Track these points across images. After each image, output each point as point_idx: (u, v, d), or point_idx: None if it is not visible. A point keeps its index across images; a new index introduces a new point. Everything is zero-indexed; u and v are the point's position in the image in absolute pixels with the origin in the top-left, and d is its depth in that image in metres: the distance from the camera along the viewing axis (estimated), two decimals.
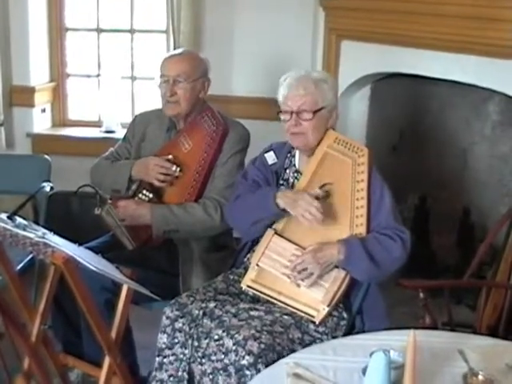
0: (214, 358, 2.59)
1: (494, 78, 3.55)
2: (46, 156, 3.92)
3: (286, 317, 2.72)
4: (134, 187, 3.29)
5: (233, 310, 2.72)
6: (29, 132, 5.11)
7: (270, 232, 2.84)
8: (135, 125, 3.49)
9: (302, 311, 2.74)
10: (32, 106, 5.08)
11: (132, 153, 3.44)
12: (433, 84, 4.27)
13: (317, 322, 2.71)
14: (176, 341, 2.72)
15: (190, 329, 2.69)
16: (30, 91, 5.03)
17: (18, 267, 3.40)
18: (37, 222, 3.04)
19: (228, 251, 3.33)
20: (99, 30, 5.24)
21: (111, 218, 3.25)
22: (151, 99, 4.78)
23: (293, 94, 2.82)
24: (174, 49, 4.58)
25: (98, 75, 5.30)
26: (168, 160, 3.23)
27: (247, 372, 2.46)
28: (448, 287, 3.00)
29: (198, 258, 3.25)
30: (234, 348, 2.53)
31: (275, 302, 2.79)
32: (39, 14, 5.04)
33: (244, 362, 2.48)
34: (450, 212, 4.63)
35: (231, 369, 2.53)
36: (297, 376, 2.19)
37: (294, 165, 2.99)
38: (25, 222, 2.47)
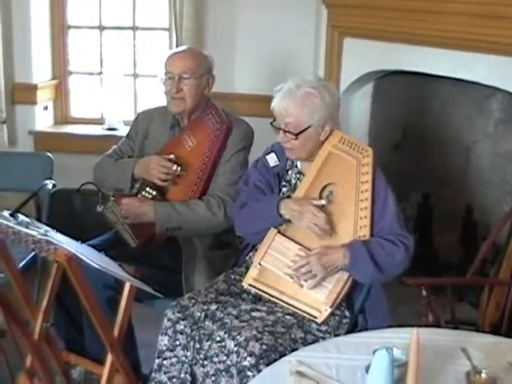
0: (215, 359, 2.59)
1: (497, 76, 3.54)
2: (49, 153, 3.92)
3: (288, 317, 2.71)
4: (137, 185, 3.28)
5: (234, 312, 2.72)
6: (31, 129, 5.10)
7: (272, 231, 2.82)
8: (138, 122, 3.48)
9: (304, 311, 2.73)
10: (34, 103, 5.07)
11: (135, 150, 3.44)
12: (435, 82, 4.27)
13: (319, 322, 2.71)
14: (177, 343, 2.71)
15: (192, 331, 2.68)
16: (33, 89, 5.03)
17: (21, 265, 3.39)
18: (39, 220, 3.04)
19: (231, 249, 3.33)
20: (101, 28, 5.23)
21: (114, 215, 3.25)
22: (154, 97, 4.77)
23: (279, 111, 2.77)
24: (177, 46, 4.57)
25: (101, 73, 5.30)
26: (169, 160, 3.22)
27: (249, 373, 2.46)
28: (451, 285, 3.00)
29: (201, 255, 3.25)
30: (235, 349, 2.52)
31: (277, 301, 2.78)
32: (41, 11, 5.04)
33: (246, 363, 2.48)
34: (452, 210, 4.63)
35: (233, 370, 2.52)
36: (300, 374, 2.19)
37: (296, 166, 2.96)
38: (27, 219, 2.47)
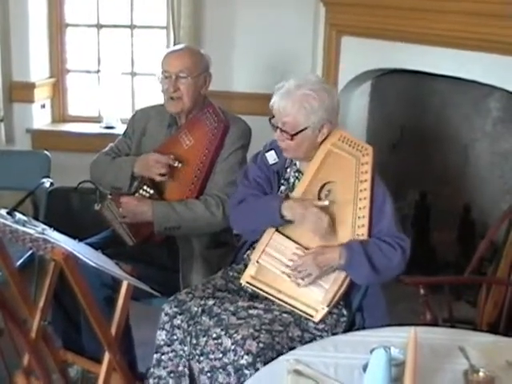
0: (212, 356, 2.58)
1: (495, 75, 3.55)
2: (46, 152, 3.92)
3: (285, 315, 2.71)
4: (135, 184, 3.28)
5: (231, 308, 2.72)
6: (28, 128, 5.10)
7: (270, 229, 2.82)
8: (135, 120, 3.48)
9: (301, 310, 2.73)
10: (32, 101, 5.07)
11: (132, 148, 3.44)
12: (434, 80, 4.26)
13: (316, 321, 2.71)
14: (175, 337, 2.72)
15: (189, 326, 2.68)
16: (30, 87, 5.03)
17: (18, 263, 3.39)
18: (36, 218, 3.05)
19: (228, 248, 3.32)
20: (99, 26, 5.23)
21: (111, 213, 3.25)
22: (151, 95, 4.77)
23: (278, 110, 2.76)
24: (174, 44, 4.58)
25: (98, 71, 5.30)
26: (169, 158, 3.22)
27: (246, 371, 2.46)
28: (448, 283, 3.00)
29: (199, 254, 3.25)
30: (232, 347, 2.52)
31: (274, 300, 2.78)
32: (39, 9, 5.04)
33: (243, 361, 2.48)
34: (450, 208, 4.63)
35: (230, 368, 2.52)
36: (297, 372, 2.19)
37: (295, 164, 2.95)
38: (24, 217, 2.47)
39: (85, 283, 2.45)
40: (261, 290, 2.81)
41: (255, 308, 2.74)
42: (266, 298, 2.80)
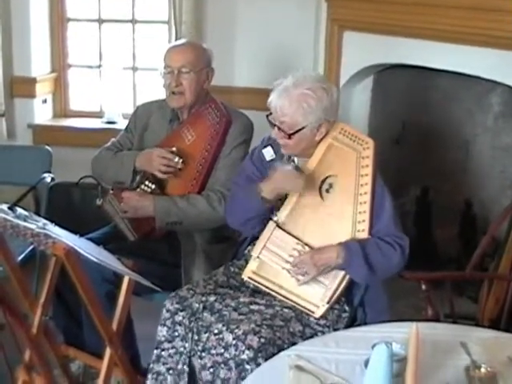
0: (213, 351, 2.59)
1: (497, 70, 3.54)
2: (47, 147, 3.92)
3: (286, 310, 2.71)
4: (137, 179, 3.27)
5: (233, 304, 2.72)
6: (30, 123, 5.09)
7: (271, 225, 2.81)
8: (138, 115, 3.47)
9: (301, 306, 2.73)
10: (33, 96, 5.06)
11: (134, 143, 3.43)
12: (435, 75, 4.25)
13: (317, 317, 2.71)
14: (176, 334, 2.72)
15: (190, 322, 2.68)
16: (32, 82, 5.02)
17: (19, 258, 3.40)
18: (38, 213, 3.05)
19: (230, 243, 3.32)
20: (101, 21, 5.21)
21: (112, 208, 3.25)
22: (153, 90, 4.77)
23: (275, 109, 2.74)
24: (176, 39, 4.57)
25: (100, 66, 5.29)
26: (172, 152, 3.21)
27: (247, 366, 2.46)
28: (450, 279, 3.00)
29: (200, 249, 3.25)
30: (233, 342, 2.52)
31: (275, 295, 2.78)
32: (41, 4, 5.02)
33: (244, 356, 2.48)
34: (452, 204, 4.62)
35: (231, 363, 2.52)
36: (299, 368, 2.19)
37: (293, 161, 2.93)
38: (26, 212, 2.47)
39: (86, 278, 2.45)
40: (262, 285, 2.81)
41: (256, 303, 2.74)
42: (268, 294, 2.80)
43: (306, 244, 2.75)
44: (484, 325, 3.10)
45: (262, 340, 2.49)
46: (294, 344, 2.51)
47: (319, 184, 2.79)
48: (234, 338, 2.53)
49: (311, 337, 2.62)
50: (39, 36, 5.05)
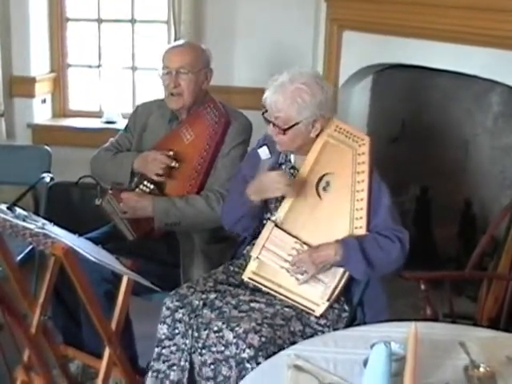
0: (214, 349, 2.59)
1: (497, 69, 3.54)
2: (47, 147, 3.91)
3: (287, 309, 2.72)
4: (136, 179, 3.27)
5: (233, 302, 2.73)
6: (29, 122, 5.10)
7: (270, 224, 2.81)
8: (137, 115, 3.48)
9: (302, 305, 2.74)
10: (32, 96, 5.07)
11: (133, 143, 3.44)
12: (435, 75, 4.26)
13: (317, 316, 2.71)
14: (177, 331, 2.72)
15: (190, 319, 2.69)
16: (31, 82, 5.02)
17: (18, 258, 3.39)
18: (37, 213, 3.04)
19: (229, 243, 3.32)
20: (100, 20, 5.22)
21: (111, 208, 3.25)
22: (152, 90, 4.77)
23: (270, 105, 2.75)
24: (175, 39, 4.57)
25: (99, 65, 5.29)
26: (168, 156, 3.21)
27: (248, 365, 2.46)
28: (449, 279, 3.00)
29: (199, 249, 3.25)
30: (234, 341, 2.53)
31: (276, 294, 2.79)
32: (40, 4, 5.03)
33: (244, 355, 2.48)
34: (451, 203, 4.62)
35: (232, 361, 2.53)
36: (297, 368, 2.19)
37: (290, 160, 2.94)
38: (25, 212, 2.47)
39: (85, 278, 2.45)
40: (262, 285, 2.81)
41: (257, 302, 2.74)
42: (268, 293, 2.80)
43: (305, 243, 2.75)
44: (483, 324, 3.10)
45: (263, 339, 2.50)
46: (294, 343, 2.51)
47: (316, 182, 2.79)
48: (234, 337, 2.53)
49: (311, 336, 2.62)
50: (38, 36, 5.06)
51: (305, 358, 2.25)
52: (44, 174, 3.61)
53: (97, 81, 5.32)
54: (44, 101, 5.20)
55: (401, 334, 2.27)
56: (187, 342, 2.69)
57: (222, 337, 2.57)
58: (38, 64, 5.09)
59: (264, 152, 2.89)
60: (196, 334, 2.66)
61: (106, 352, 2.68)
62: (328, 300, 2.71)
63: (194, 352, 2.67)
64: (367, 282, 2.83)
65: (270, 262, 2.80)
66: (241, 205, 2.83)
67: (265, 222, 2.87)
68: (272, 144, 2.87)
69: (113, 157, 3.39)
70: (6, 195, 3.11)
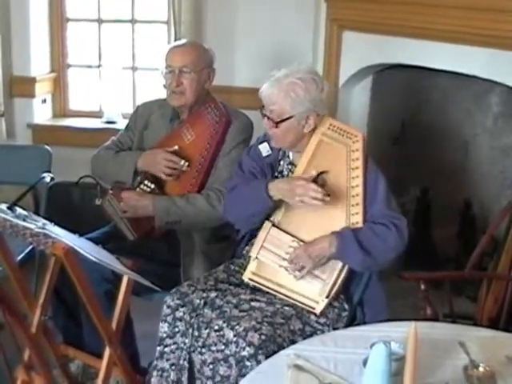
0: (214, 348, 2.60)
1: (496, 70, 3.54)
2: (47, 146, 3.91)
3: (287, 308, 2.72)
4: (138, 179, 3.28)
5: (234, 301, 2.73)
6: (29, 122, 5.10)
7: (267, 224, 2.83)
8: (138, 114, 3.48)
9: (302, 303, 2.75)
10: (33, 96, 5.06)
11: (134, 142, 3.44)
12: (434, 75, 4.26)
13: (317, 314, 2.72)
14: (177, 330, 2.73)
15: (191, 318, 2.69)
16: (31, 82, 5.02)
17: (19, 258, 3.39)
18: (37, 213, 3.05)
19: (229, 242, 3.33)
20: (100, 21, 5.22)
21: (112, 208, 3.26)
22: (152, 90, 4.77)
23: (265, 98, 2.78)
24: (175, 39, 4.57)
25: (99, 66, 5.29)
26: (175, 152, 3.22)
27: (248, 363, 2.47)
28: (449, 279, 3.00)
29: (199, 248, 3.25)
30: (234, 339, 2.53)
31: (276, 294, 2.79)
32: (40, 4, 5.03)
33: (244, 353, 2.49)
34: (451, 204, 4.62)
35: (232, 360, 2.53)
36: (297, 367, 2.20)
37: (288, 156, 2.96)
38: (25, 212, 2.47)
39: (85, 278, 2.45)
40: (262, 285, 2.82)
41: (257, 301, 2.75)
42: (268, 292, 2.81)
43: (302, 241, 2.77)
44: (483, 324, 3.10)
45: (263, 337, 2.50)
46: (294, 342, 2.52)
47: (312, 181, 2.79)
48: (234, 335, 2.54)
49: (311, 335, 2.63)
50: (39, 36, 5.05)
51: (305, 357, 2.26)
52: (44, 174, 3.61)
53: (97, 81, 5.32)
54: (44, 101, 5.20)
55: (400, 333, 2.27)
56: (186, 340, 2.69)
57: (223, 335, 2.58)
58: (39, 64, 5.09)
59: (265, 148, 2.93)
60: (196, 333, 2.67)
61: (107, 352, 2.68)
62: (327, 297, 2.72)
63: (194, 351, 2.67)
64: (367, 282, 2.84)
65: (269, 261, 2.81)
66: (255, 202, 2.80)
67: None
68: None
69: (114, 155, 3.39)
70: (7, 195, 3.12)
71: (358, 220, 2.74)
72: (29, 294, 2.81)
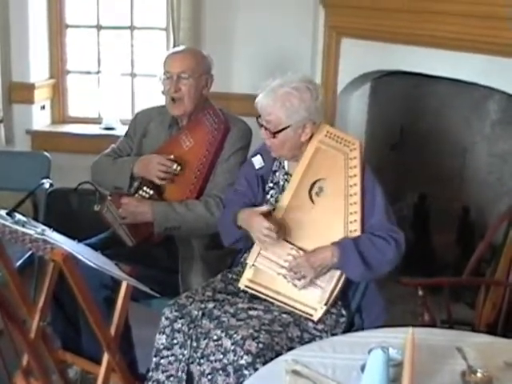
0: (212, 358, 2.60)
1: (494, 77, 3.55)
2: (46, 153, 3.92)
3: (284, 315, 2.72)
4: (135, 184, 3.28)
5: (231, 310, 2.73)
6: (28, 129, 5.10)
7: None
8: (137, 121, 3.48)
9: (300, 310, 2.74)
10: (32, 102, 5.07)
11: (133, 149, 3.44)
12: (433, 82, 4.27)
13: (315, 320, 2.72)
14: (175, 341, 2.72)
15: (189, 329, 2.69)
16: (30, 88, 5.02)
17: (18, 264, 3.40)
18: (36, 219, 3.06)
19: (228, 249, 3.32)
20: (99, 27, 5.23)
21: (111, 214, 3.26)
22: (151, 96, 4.78)
23: (261, 108, 2.79)
24: (174, 46, 4.59)
25: (98, 72, 5.30)
26: (170, 159, 3.22)
27: (246, 372, 2.46)
28: (447, 285, 3.00)
29: (198, 255, 3.25)
30: (232, 348, 2.53)
31: (273, 301, 2.79)
32: (39, 10, 5.04)
33: (242, 361, 2.48)
34: (449, 210, 4.63)
35: (230, 369, 2.53)
36: (295, 373, 2.20)
37: (284, 167, 2.96)
38: (24, 218, 2.48)
39: (84, 284, 2.46)
40: (259, 292, 2.82)
41: (255, 309, 2.75)
42: (266, 300, 2.81)
43: (300, 248, 2.77)
44: (481, 330, 3.10)
45: (261, 345, 2.50)
46: (292, 349, 2.50)
47: (309, 188, 2.81)
48: (232, 344, 2.53)
49: (309, 342, 2.62)
50: (38, 42, 5.06)
51: (303, 363, 2.26)
52: (43, 180, 3.60)
53: (96, 87, 5.33)
54: (43, 107, 5.21)
55: (398, 339, 2.27)
56: (185, 352, 2.69)
57: (221, 345, 2.57)
58: (38, 70, 5.09)
59: (257, 160, 2.96)
60: (195, 344, 2.66)
61: (105, 358, 2.68)
62: (325, 304, 2.72)
63: (193, 362, 2.67)
64: (365, 288, 2.84)
65: (267, 268, 2.81)
66: (230, 232, 2.90)
67: None
68: (266, 152, 2.92)
69: (112, 162, 3.40)
70: (6, 201, 3.12)
71: (355, 228, 2.74)
72: (28, 299, 2.82)
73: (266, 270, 2.81)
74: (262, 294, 2.81)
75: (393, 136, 4.80)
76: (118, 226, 3.25)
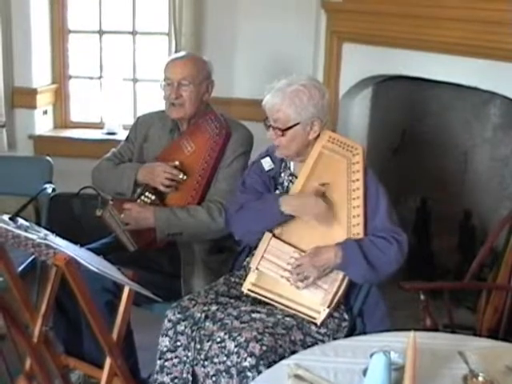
0: (216, 360, 2.60)
1: (495, 81, 3.55)
2: (48, 158, 3.93)
3: (287, 318, 2.73)
4: (138, 190, 3.28)
5: (234, 313, 2.73)
6: (31, 134, 5.11)
7: (267, 235, 2.84)
8: (138, 126, 3.49)
9: (303, 313, 2.75)
10: (34, 107, 5.08)
11: (135, 154, 3.45)
12: (434, 86, 4.27)
13: (318, 324, 2.72)
14: (179, 344, 2.73)
15: (193, 332, 2.69)
16: (32, 93, 5.04)
17: (20, 268, 3.40)
18: (39, 224, 3.05)
19: (229, 253, 3.33)
20: (101, 32, 5.24)
21: (112, 219, 3.26)
22: (153, 101, 4.78)
23: (269, 107, 2.80)
24: (176, 51, 4.59)
25: (100, 77, 5.31)
26: (175, 167, 3.23)
27: (249, 374, 2.47)
28: (448, 289, 3.01)
29: (200, 259, 3.26)
30: (235, 350, 2.53)
31: (276, 304, 2.80)
32: (41, 15, 5.05)
33: (246, 363, 2.49)
34: (450, 214, 4.63)
35: (233, 370, 2.53)
36: (298, 377, 2.20)
37: (289, 168, 2.98)
38: (27, 223, 2.48)
39: (86, 288, 2.46)
40: (263, 296, 2.83)
41: (258, 312, 2.75)
42: (269, 303, 2.81)
43: (303, 251, 2.78)
44: (482, 334, 3.10)
45: (264, 348, 2.51)
46: (294, 352, 2.51)
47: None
48: (235, 346, 2.54)
49: (312, 345, 2.62)
50: (40, 47, 5.08)
51: (305, 367, 2.26)
52: (46, 185, 3.64)
53: (98, 92, 5.34)
54: (45, 112, 5.22)
55: (400, 343, 2.27)
56: (189, 354, 2.69)
57: (224, 347, 2.57)
58: (40, 75, 5.11)
59: (267, 162, 2.96)
60: (198, 346, 2.66)
61: (107, 362, 2.68)
62: (328, 306, 2.73)
63: (197, 364, 2.67)
64: (367, 292, 2.85)
65: (270, 272, 2.82)
66: (266, 218, 2.84)
67: None
68: (274, 155, 2.92)
69: (114, 167, 3.40)
70: (8, 206, 3.13)
71: (358, 231, 2.75)
72: (30, 304, 2.81)
73: (270, 274, 2.82)
74: (265, 297, 2.82)
75: (394, 140, 4.80)
76: (120, 231, 3.25)
